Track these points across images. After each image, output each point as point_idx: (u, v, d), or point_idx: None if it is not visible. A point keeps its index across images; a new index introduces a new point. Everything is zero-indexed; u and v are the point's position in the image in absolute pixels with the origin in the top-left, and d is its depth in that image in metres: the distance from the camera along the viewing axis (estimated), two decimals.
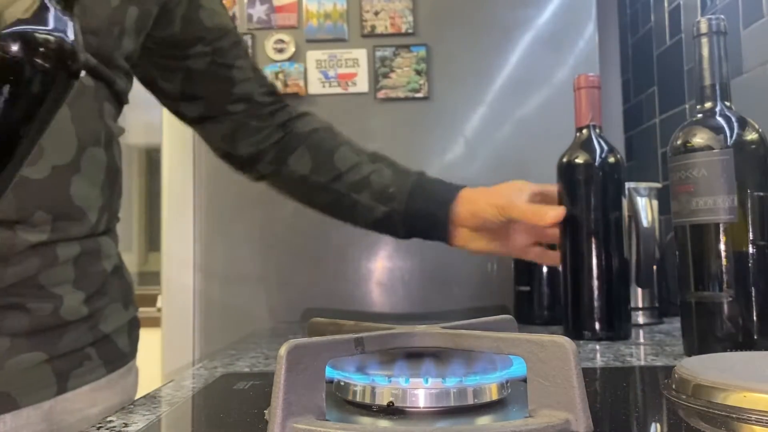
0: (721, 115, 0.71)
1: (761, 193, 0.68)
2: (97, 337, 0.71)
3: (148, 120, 2.04)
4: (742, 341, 0.67)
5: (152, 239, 2.60)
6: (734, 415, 0.44)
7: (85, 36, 0.65)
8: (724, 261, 0.68)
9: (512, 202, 0.87)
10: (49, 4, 0.39)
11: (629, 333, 0.88)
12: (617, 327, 0.87)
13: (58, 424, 0.66)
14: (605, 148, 0.89)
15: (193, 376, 0.67)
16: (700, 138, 0.70)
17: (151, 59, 0.85)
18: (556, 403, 0.39)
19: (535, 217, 0.85)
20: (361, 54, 1.37)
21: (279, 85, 1.35)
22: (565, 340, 0.40)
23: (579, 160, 0.89)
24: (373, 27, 1.37)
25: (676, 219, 0.73)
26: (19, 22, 0.38)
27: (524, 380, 0.43)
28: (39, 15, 0.39)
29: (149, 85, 0.90)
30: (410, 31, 1.37)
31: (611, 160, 0.89)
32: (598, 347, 0.81)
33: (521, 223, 0.90)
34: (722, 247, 0.68)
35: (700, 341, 0.70)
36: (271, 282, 1.36)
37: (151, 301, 2.27)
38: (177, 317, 1.35)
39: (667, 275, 1.14)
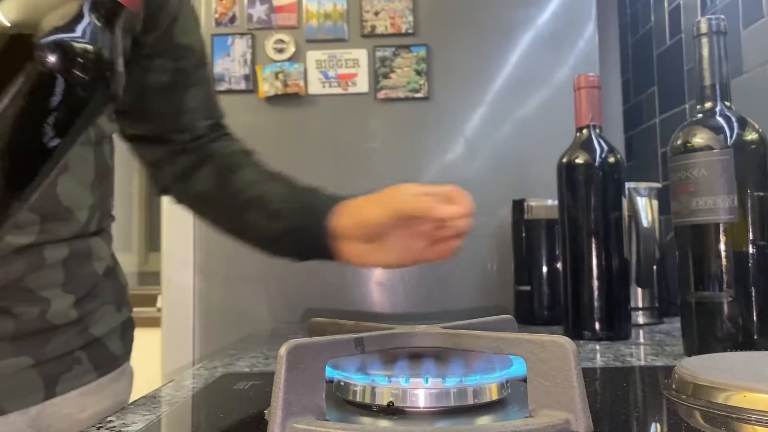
0: (721, 115, 0.71)
1: (761, 193, 0.68)
2: (87, 341, 0.70)
3: None
4: (742, 341, 0.67)
5: (152, 239, 2.60)
6: (734, 415, 0.44)
7: None
8: (724, 261, 0.68)
9: (400, 199, 0.77)
10: (87, 15, 0.38)
11: (629, 333, 0.88)
12: (617, 327, 0.87)
13: (46, 429, 0.65)
14: (605, 148, 0.89)
15: (193, 376, 0.67)
16: (700, 138, 0.70)
17: None
18: (556, 403, 0.39)
19: (428, 210, 0.74)
20: (361, 54, 1.37)
21: (279, 85, 1.35)
22: (565, 340, 0.40)
23: (579, 160, 0.89)
24: (373, 27, 1.37)
25: (676, 219, 0.73)
26: (56, 30, 0.37)
27: (524, 380, 0.43)
28: (77, 24, 0.38)
29: None
30: (410, 31, 1.37)
31: (611, 160, 0.89)
32: (598, 347, 0.81)
33: (416, 227, 0.79)
34: (722, 247, 0.68)
35: (700, 341, 0.70)
36: (271, 282, 1.36)
37: (151, 301, 2.27)
38: (177, 317, 1.35)
39: (667, 275, 1.14)
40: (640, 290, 1.06)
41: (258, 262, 1.37)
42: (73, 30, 0.37)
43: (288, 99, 1.37)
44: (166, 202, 1.39)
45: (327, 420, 0.41)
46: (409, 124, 1.38)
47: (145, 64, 0.82)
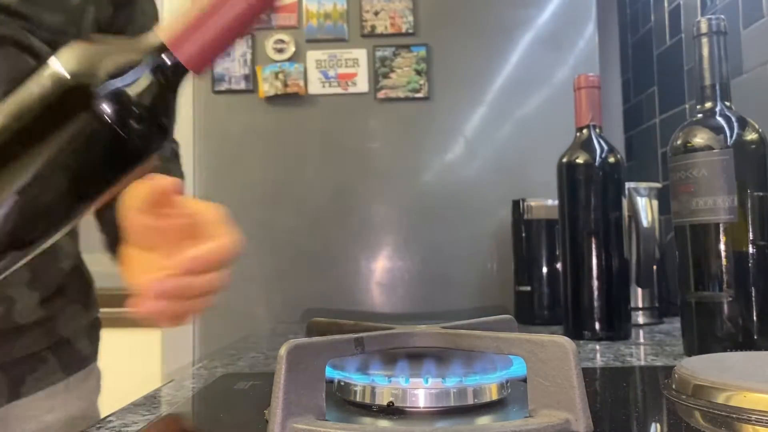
0: (721, 115, 0.71)
1: (761, 193, 0.68)
2: (54, 340, 0.68)
3: None
4: (742, 341, 0.67)
5: None
6: (734, 415, 0.44)
7: (39, 31, 0.63)
8: (724, 261, 0.68)
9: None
10: (150, 72, 0.38)
11: (629, 333, 0.88)
12: (617, 327, 0.87)
13: (13, 431, 0.63)
14: (605, 148, 0.89)
15: (193, 376, 0.67)
16: (700, 138, 0.70)
17: None
18: (556, 403, 0.39)
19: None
20: (361, 54, 1.37)
21: (279, 85, 1.35)
22: (565, 340, 0.40)
23: (579, 160, 0.89)
24: (373, 27, 1.37)
25: (676, 219, 0.73)
26: (115, 82, 0.36)
27: (524, 380, 0.43)
28: (137, 79, 0.37)
29: None
30: (410, 31, 1.37)
31: (611, 160, 0.89)
32: (598, 347, 0.81)
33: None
34: (722, 247, 0.68)
35: (700, 341, 0.70)
36: (271, 282, 1.36)
37: None
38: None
39: (667, 275, 1.14)
40: (640, 290, 1.06)
41: (258, 262, 1.37)
42: (132, 84, 0.37)
43: (288, 99, 1.37)
44: None
45: (327, 420, 0.41)
46: (409, 124, 1.38)
47: None
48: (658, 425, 0.47)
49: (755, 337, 0.67)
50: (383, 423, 0.43)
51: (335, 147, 1.38)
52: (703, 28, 0.72)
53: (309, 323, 0.60)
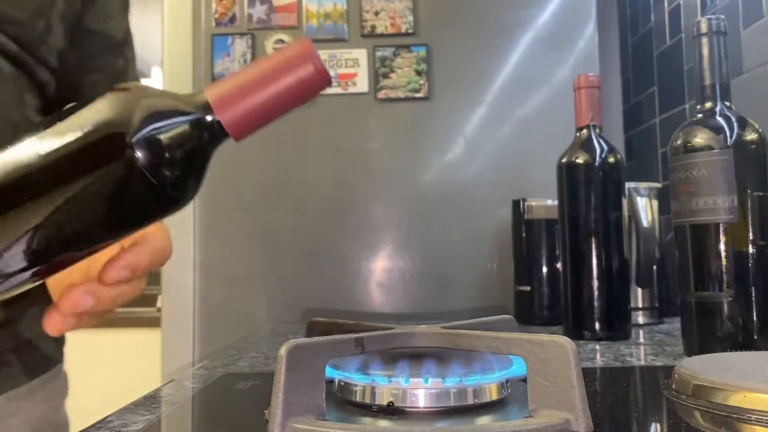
0: (721, 115, 0.71)
1: (761, 193, 0.68)
2: (17, 343, 0.67)
3: None
4: (742, 341, 0.67)
5: None
6: (734, 415, 0.44)
7: (4, 25, 0.62)
8: (724, 261, 0.68)
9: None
10: (190, 127, 0.37)
11: (629, 333, 0.88)
12: (617, 327, 0.87)
13: None
14: (605, 148, 0.89)
15: (193, 376, 0.67)
16: (700, 138, 0.70)
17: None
18: (556, 403, 0.39)
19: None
20: (361, 54, 1.37)
21: None
22: (565, 340, 0.40)
23: (579, 160, 0.89)
24: (373, 27, 1.37)
25: (676, 219, 0.73)
26: (150, 124, 0.36)
27: (524, 380, 0.43)
28: (174, 125, 0.37)
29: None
30: (410, 31, 1.37)
31: (611, 160, 0.89)
32: (598, 347, 0.81)
33: None
34: (722, 247, 0.68)
35: (700, 341, 0.70)
36: (271, 282, 1.36)
37: (151, 301, 2.27)
38: (177, 317, 1.35)
39: (667, 275, 1.14)
40: (640, 290, 1.06)
41: (258, 262, 1.37)
42: (170, 134, 0.37)
43: None
44: None
45: (327, 420, 0.41)
46: (409, 124, 1.38)
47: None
48: (658, 425, 0.47)
49: (755, 337, 0.67)
50: (383, 423, 0.43)
51: (335, 147, 1.38)
52: (703, 28, 0.72)
53: (309, 323, 0.60)
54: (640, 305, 1.06)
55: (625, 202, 0.90)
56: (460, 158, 1.37)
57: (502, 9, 1.39)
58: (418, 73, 1.37)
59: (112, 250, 0.47)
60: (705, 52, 0.72)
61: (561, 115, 1.30)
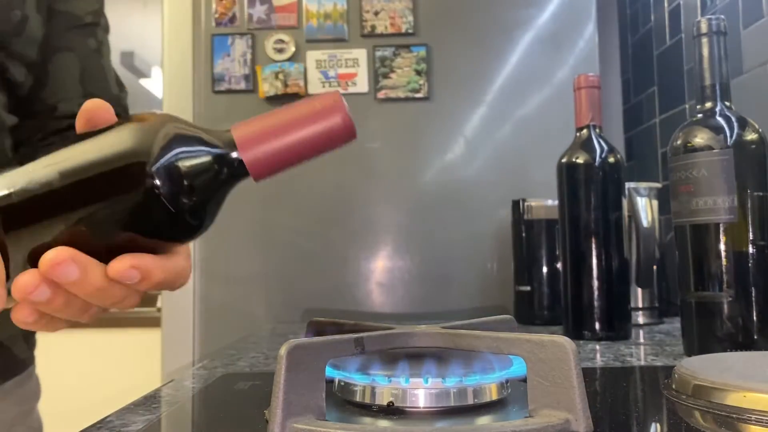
0: (721, 115, 0.71)
1: (761, 193, 0.68)
2: None
3: None
4: (742, 341, 0.67)
5: None
6: (734, 415, 0.44)
7: None
8: (724, 261, 0.68)
9: None
10: (213, 160, 0.38)
11: (629, 333, 0.88)
12: (617, 327, 0.87)
13: None
14: (605, 148, 0.89)
15: (193, 376, 0.67)
16: (700, 138, 0.70)
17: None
18: (556, 403, 0.39)
19: None
20: (361, 54, 1.37)
21: (279, 85, 1.35)
22: (565, 340, 0.40)
23: (579, 160, 0.89)
24: (373, 27, 1.37)
25: (676, 219, 0.73)
26: (167, 150, 0.36)
27: (524, 380, 0.43)
28: (197, 156, 0.37)
29: None
30: (410, 31, 1.37)
31: (611, 160, 0.89)
32: (598, 347, 0.81)
33: None
34: (722, 247, 0.68)
35: (700, 341, 0.70)
36: (271, 282, 1.36)
37: (151, 301, 2.27)
38: (177, 317, 1.35)
39: (667, 275, 1.14)
40: (640, 290, 1.06)
41: (258, 262, 1.37)
42: (192, 164, 0.37)
43: (288, 99, 1.37)
44: None
45: (327, 420, 0.41)
46: (409, 124, 1.38)
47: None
48: (658, 425, 0.47)
49: (755, 337, 0.67)
50: (383, 423, 0.43)
51: None
52: (703, 28, 0.72)
53: (309, 323, 0.60)
54: (640, 305, 1.06)
55: (625, 202, 0.90)
56: (460, 158, 1.37)
57: (502, 9, 1.39)
58: (418, 73, 1.37)
59: None
60: (705, 52, 0.72)
61: (561, 115, 1.30)
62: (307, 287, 1.35)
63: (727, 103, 0.71)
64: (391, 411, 0.45)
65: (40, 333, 0.70)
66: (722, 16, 0.72)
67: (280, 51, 1.38)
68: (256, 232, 1.37)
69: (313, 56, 1.37)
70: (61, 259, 0.36)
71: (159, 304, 1.47)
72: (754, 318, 0.67)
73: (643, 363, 0.70)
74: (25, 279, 0.36)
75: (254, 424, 0.46)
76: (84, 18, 0.74)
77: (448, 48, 1.38)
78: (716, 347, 0.68)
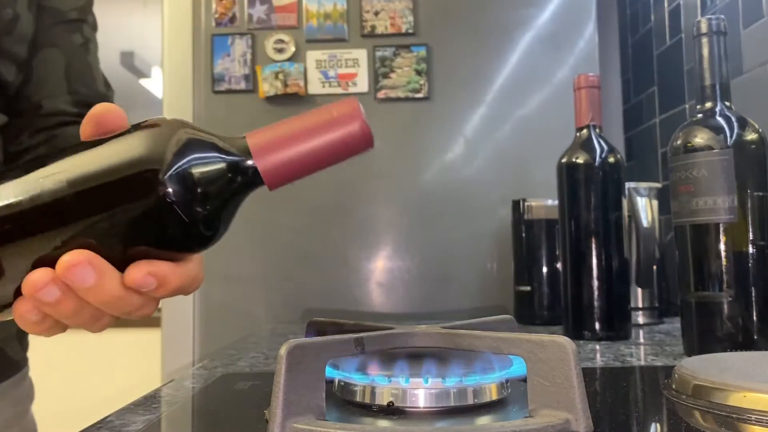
0: (721, 115, 0.71)
1: (761, 193, 0.68)
2: None
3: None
4: (742, 341, 0.67)
5: None
6: (734, 415, 0.44)
7: None
8: (724, 261, 0.68)
9: None
10: (228, 168, 0.37)
11: (629, 333, 0.88)
12: (617, 327, 0.87)
13: None
14: (605, 148, 0.89)
15: (193, 376, 0.67)
16: (700, 138, 0.70)
17: None
18: (556, 403, 0.39)
19: None
20: (361, 54, 1.37)
21: (279, 85, 1.35)
22: (565, 340, 0.40)
23: (579, 160, 0.89)
24: (373, 27, 1.37)
25: (676, 219, 0.73)
26: (180, 157, 0.36)
27: (524, 380, 0.43)
28: (211, 163, 0.37)
29: None
30: (410, 31, 1.37)
31: (611, 160, 0.89)
32: (598, 347, 0.81)
33: None
34: (722, 247, 0.68)
35: (700, 341, 0.70)
36: (271, 282, 1.36)
37: None
38: (177, 317, 1.35)
39: (667, 275, 1.14)
40: (640, 290, 1.06)
41: (258, 262, 1.37)
42: (206, 171, 0.36)
43: (288, 99, 1.37)
44: None
45: (327, 420, 0.41)
46: (409, 124, 1.38)
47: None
48: (658, 425, 0.47)
49: (755, 337, 0.67)
50: (383, 423, 0.43)
51: None
52: (703, 28, 0.72)
53: (309, 323, 0.60)
54: (640, 305, 1.06)
55: (625, 202, 0.90)
56: (460, 158, 1.37)
57: (502, 9, 1.39)
58: (418, 73, 1.37)
59: None
60: (705, 52, 0.72)
61: (561, 115, 1.30)
62: (307, 287, 1.35)
63: (727, 103, 0.71)
64: (391, 411, 0.45)
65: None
66: (722, 16, 0.72)
67: (280, 51, 1.38)
68: (256, 232, 1.37)
69: (313, 56, 1.37)
70: (77, 261, 0.34)
71: (159, 304, 1.47)
72: (754, 318, 0.67)
73: (643, 363, 0.70)
74: (36, 276, 0.35)
75: (254, 424, 0.46)
76: (69, 14, 0.73)
77: (448, 48, 1.38)
78: (716, 347, 0.68)
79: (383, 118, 1.37)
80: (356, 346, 0.45)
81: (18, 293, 0.36)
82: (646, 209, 1.02)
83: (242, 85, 1.38)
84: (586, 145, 0.89)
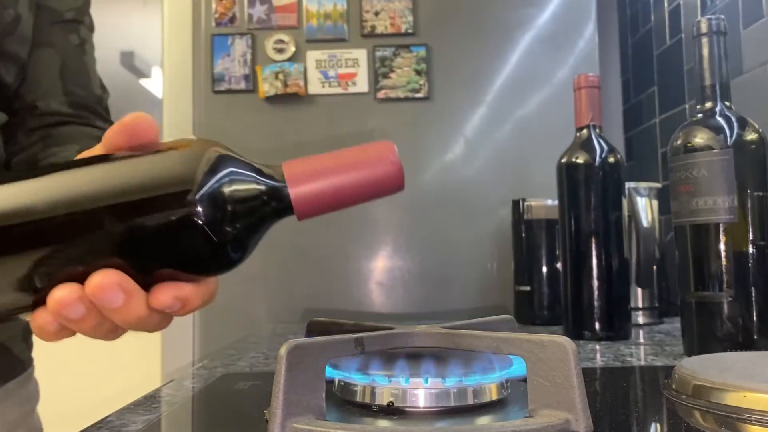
0: (721, 115, 0.71)
1: (761, 193, 0.68)
2: None
3: None
4: (742, 341, 0.67)
5: None
6: (734, 415, 0.44)
7: None
8: (724, 261, 0.68)
9: None
10: (260, 193, 0.37)
11: (629, 333, 0.88)
12: (617, 327, 0.87)
13: None
14: (605, 148, 0.89)
15: (193, 376, 0.67)
16: (700, 138, 0.70)
17: None
18: (556, 403, 0.39)
19: None
20: (361, 54, 1.37)
21: (279, 85, 1.35)
22: (565, 340, 0.40)
23: (579, 160, 0.89)
24: (373, 27, 1.37)
25: (676, 219, 0.73)
26: (211, 176, 0.36)
27: (524, 380, 0.43)
28: (246, 187, 0.37)
29: None
30: (410, 31, 1.37)
31: (611, 160, 0.89)
32: (598, 347, 0.81)
33: None
34: (722, 247, 0.68)
35: (700, 341, 0.70)
36: (271, 282, 1.36)
37: None
38: (177, 317, 1.35)
39: (667, 275, 1.14)
40: (640, 290, 1.06)
41: (258, 262, 1.37)
42: (239, 194, 0.37)
43: (288, 99, 1.37)
44: None
45: (327, 420, 0.41)
46: (409, 124, 1.38)
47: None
48: (658, 425, 0.47)
49: (755, 337, 0.67)
50: (383, 423, 0.43)
51: (335, 147, 1.38)
52: (703, 28, 0.72)
53: (309, 323, 0.60)
54: (640, 305, 1.06)
55: (625, 202, 0.90)
56: (460, 158, 1.37)
57: (502, 9, 1.39)
58: (418, 73, 1.37)
59: None
60: (705, 52, 0.72)
61: (561, 115, 1.30)
62: (307, 287, 1.35)
63: (727, 103, 0.71)
64: (391, 411, 0.45)
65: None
66: (722, 16, 0.72)
67: (280, 51, 1.38)
68: None
69: (313, 56, 1.37)
70: (107, 283, 0.34)
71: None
72: (754, 318, 0.67)
73: (643, 363, 0.70)
74: (62, 293, 0.34)
75: (254, 424, 0.46)
76: (65, 14, 0.72)
77: (448, 48, 1.38)
78: (716, 347, 0.68)
79: (383, 118, 1.37)
80: (356, 346, 0.45)
81: (38, 301, 0.36)
82: (646, 209, 1.02)
83: (242, 85, 1.38)
84: (586, 145, 0.89)
